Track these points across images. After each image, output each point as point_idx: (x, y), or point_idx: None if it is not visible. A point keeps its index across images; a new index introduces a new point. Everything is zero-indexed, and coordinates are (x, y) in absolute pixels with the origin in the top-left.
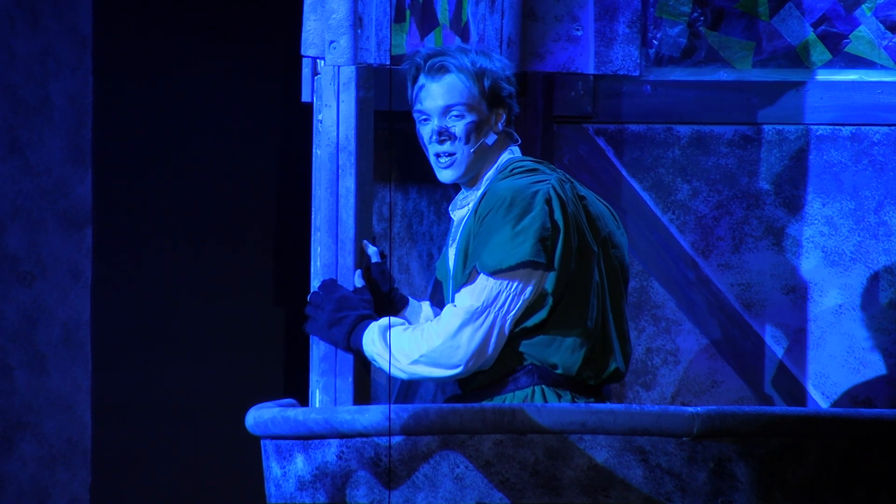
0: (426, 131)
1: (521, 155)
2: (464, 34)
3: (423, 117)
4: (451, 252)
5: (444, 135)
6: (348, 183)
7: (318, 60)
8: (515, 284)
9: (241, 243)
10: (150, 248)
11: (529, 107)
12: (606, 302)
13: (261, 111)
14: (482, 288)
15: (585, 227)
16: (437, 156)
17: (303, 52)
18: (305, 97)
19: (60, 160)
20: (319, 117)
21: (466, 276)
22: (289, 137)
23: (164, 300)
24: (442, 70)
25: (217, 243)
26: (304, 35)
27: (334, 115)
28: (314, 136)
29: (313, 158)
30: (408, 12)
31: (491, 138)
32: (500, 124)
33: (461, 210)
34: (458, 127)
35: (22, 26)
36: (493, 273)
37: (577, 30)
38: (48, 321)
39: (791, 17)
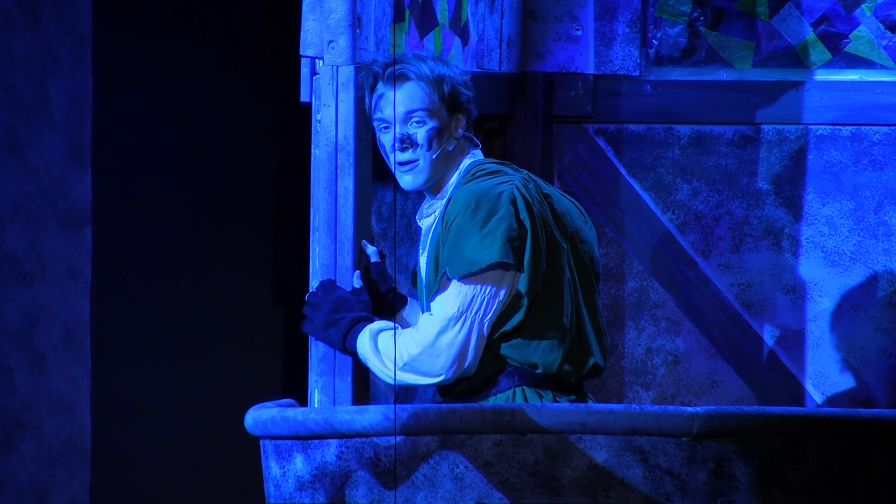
0: (387, 140)
1: (482, 157)
2: (463, 34)
3: (384, 125)
4: (423, 261)
5: (406, 142)
6: (347, 183)
7: (316, 60)
8: (488, 288)
9: (241, 243)
10: (150, 248)
11: (529, 107)
12: (579, 298)
13: (260, 111)
14: (456, 294)
15: (552, 225)
16: (400, 164)
17: (301, 52)
18: (304, 97)
19: (60, 160)
20: (318, 117)
21: (439, 284)
22: (287, 137)
23: (163, 300)
24: (401, 77)
25: (216, 243)
26: (302, 35)
27: (333, 114)
28: (313, 135)
29: (312, 158)
30: (407, 12)
31: (452, 144)
32: (459, 129)
33: (428, 218)
34: (420, 133)
35: (22, 26)
36: (464, 278)
37: (577, 30)
38: (48, 321)
39: (791, 17)
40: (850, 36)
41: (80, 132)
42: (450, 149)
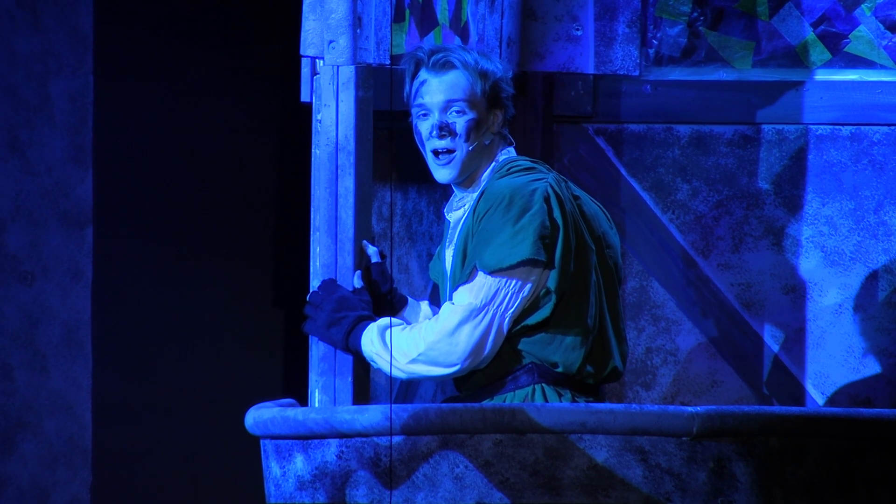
0: (425, 127)
1: (516, 155)
2: (463, 34)
3: (423, 112)
4: (449, 253)
5: (444, 130)
6: (347, 183)
7: (317, 60)
8: (515, 282)
9: (241, 243)
10: (151, 248)
11: (529, 107)
12: (603, 301)
13: (260, 111)
14: (481, 286)
15: (582, 226)
16: (436, 153)
17: (302, 52)
18: (305, 97)
19: (61, 160)
20: (318, 117)
21: (466, 275)
22: (288, 137)
23: (164, 300)
24: (446, 66)
25: (217, 243)
26: (303, 35)
27: (333, 114)
28: (313, 135)
29: (312, 158)
30: (407, 12)
31: (488, 138)
32: (497, 125)
33: (457, 211)
34: (459, 123)
35: (23, 26)
36: (494, 272)
37: (577, 29)
38: (49, 321)
39: (791, 17)
40: (849, 36)
41: (81, 132)
42: (486, 142)
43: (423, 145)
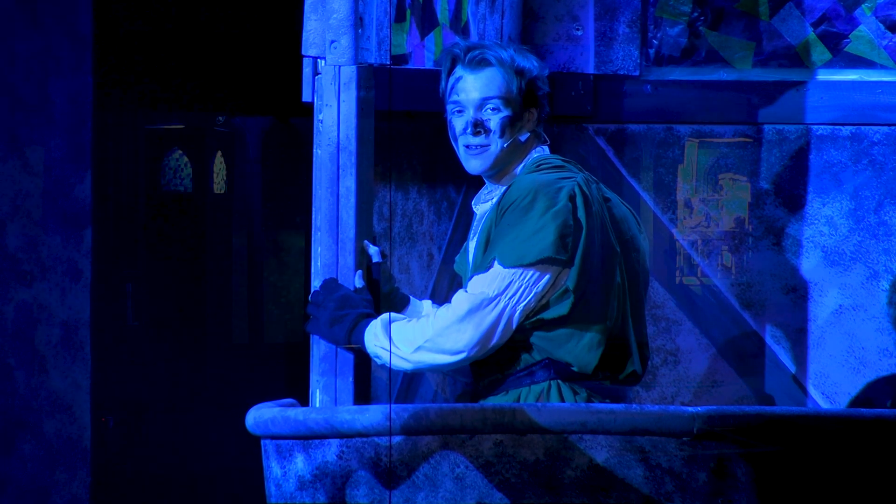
0: (459, 123)
1: (549, 154)
2: (464, 34)
3: (458, 109)
4: (472, 245)
5: (478, 127)
6: (349, 183)
7: (318, 60)
8: (530, 275)
9: (242, 243)
10: (150, 248)
11: None
12: (626, 304)
13: (260, 111)
14: (495, 276)
15: (609, 228)
16: (468, 147)
17: (303, 52)
18: (306, 97)
19: (60, 160)
20: (320, 117)
21: (485, 266)
22: (289, 137)
23: (163, 300)
24: (483, 63)
25: (217, 243)
26: (304, 35)
27: (335, 114)
28: (315, 135)
29: (314, 158)
30: (408, 12)
31: (524, 135)
32: (532, 123)
33: (485, 204)
34: (494, 120)
35: (22, 26)
36: (511, 266)
37: (578, 29)
38: (48, 321)
39: (791, 17)
40: (850, 36)
41: (80, 132)
42: (521, 139)
43: (456, 141)
